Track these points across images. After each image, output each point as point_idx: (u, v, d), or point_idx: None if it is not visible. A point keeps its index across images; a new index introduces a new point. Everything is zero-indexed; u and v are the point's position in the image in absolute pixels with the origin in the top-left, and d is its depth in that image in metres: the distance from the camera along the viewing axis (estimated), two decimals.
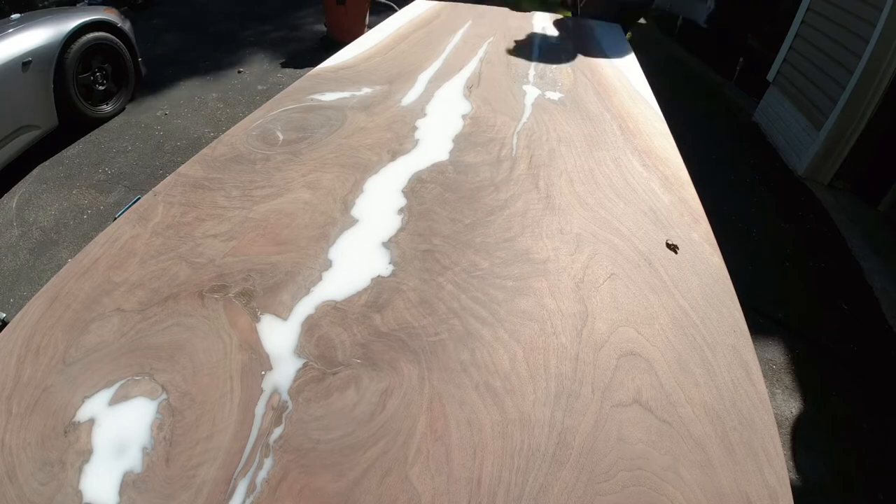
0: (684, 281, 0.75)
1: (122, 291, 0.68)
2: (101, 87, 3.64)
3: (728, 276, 0.77)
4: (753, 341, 0.66)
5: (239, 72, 4.64)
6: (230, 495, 0.47)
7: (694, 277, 0.76)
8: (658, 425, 0.55)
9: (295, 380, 0.57)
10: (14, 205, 2.88)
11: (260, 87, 4.35)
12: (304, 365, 0.59)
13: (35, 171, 3.17)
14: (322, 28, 5.62)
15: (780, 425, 1.87)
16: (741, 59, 5.42)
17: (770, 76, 4.45)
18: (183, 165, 0.95)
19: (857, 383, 2.17)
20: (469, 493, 0.48)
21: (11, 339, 0.61)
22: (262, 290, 0.69)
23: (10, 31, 2.93)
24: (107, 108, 3.71)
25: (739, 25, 6.39)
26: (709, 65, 6.13)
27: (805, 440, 1.90)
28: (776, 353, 2.24)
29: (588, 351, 0.63)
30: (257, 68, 4.76)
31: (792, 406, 2.03)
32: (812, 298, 2.62)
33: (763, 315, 2.40)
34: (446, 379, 0.58)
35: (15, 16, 3.24)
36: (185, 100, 4.12)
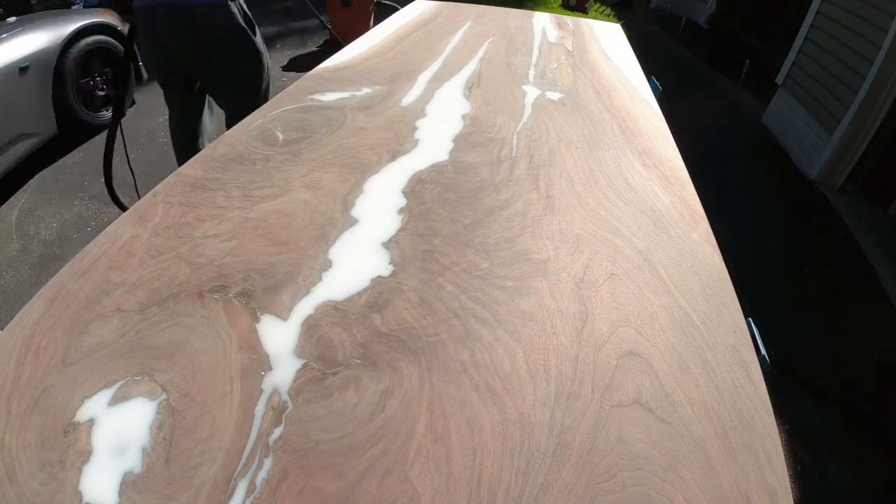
0: (684, 281, 0.75)
1: (121, 292, 0.68)
2: (101, 93, 3.57)
3: (728, 277, 0.77)
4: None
5: None
6: (230, 496, 0.47)
7: (694, 277, 0.76)
8: (658, 425, 0.55)
9: (295, 380, 0.57)
10: (14, 217, 2.79)
11: None
12: (304, 365, 0.59)
13: (35, 181, 3.07)
14: (326, 29, 5.61)
15: (792, 434, 1.86)
16: (748, 62, 5.41)
17: (779, 79, 4.44)
18: (183, 165, 0.95)
19: (875, 389, 2.16)
20: (469, 494, 0.48)
21: (11, 340, 0.61)
22: (261, 291, 0.69)
23: (7, 35, 2.87)
24: (107, 114, 3.64)
25: (740, 26, 6.38)
26: (712, 66, 6.12)
27: (823, 449, 1.88)
28: (791, 359, 2.22)
29: (588, 351, 0.63)
30: None
31: (810, 414, 2.01)
32: (827, 304, 2.60)
33: (780, 322, 2.38)
34: (446, 379, 0.58)
35: (11, 19, 3.19)
36: None
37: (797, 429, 1.91)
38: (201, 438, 0.51)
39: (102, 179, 2.16)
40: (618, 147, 1.11)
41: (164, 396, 0.55)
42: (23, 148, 2.90)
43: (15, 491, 0.46)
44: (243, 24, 1.86)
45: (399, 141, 1.07)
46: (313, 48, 5.37)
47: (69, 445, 0.50)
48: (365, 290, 0.70)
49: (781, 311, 2.41)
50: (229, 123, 2.01)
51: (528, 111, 1.25)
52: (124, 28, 3.68)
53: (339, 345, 0.62)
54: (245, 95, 1.97)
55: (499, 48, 1.69)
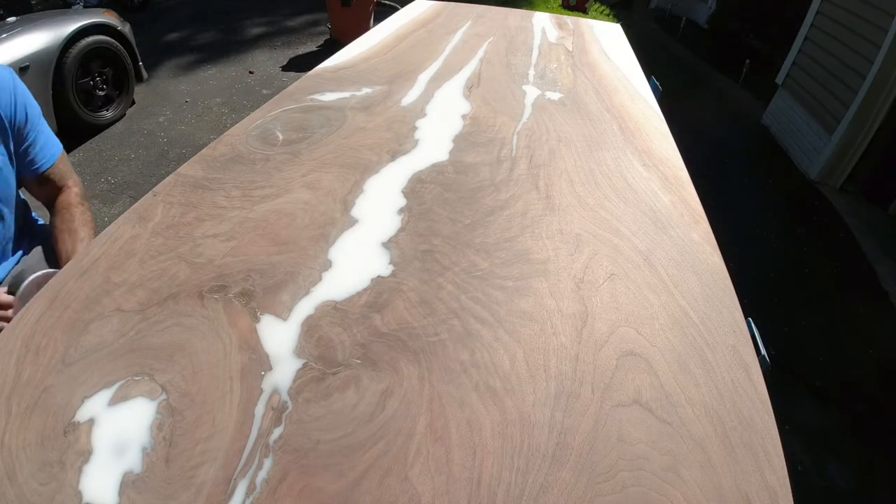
0: (684, 281, 0.75)
1: (121, 292, 0.68)
2: (101, 93, 3.57)
3: (728, 276, 0.77)
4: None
5: (250, 73, 4.62)
6: (230, 496, 0.47)
7: (694, 277, 0.76)
8: (658, 425, 0.55)
9: (295, 380, 0.57)
10: None
11: (265, 92, 4.33)
12: (304, 365, 0.59)
13: None
14: (326, 30, 5.61)
15: (792, 434, 1.86)
16: (747, 62, 5.41)
17: (779, 79, 4.44)
18: (183, 165, 0.95)
19: (875, 389, 2.16)
20: (469, 494, 0.48)
21: (11, 339, 0.61)
22: (261, 291, 0.69)
23: (7, 35, 2.88)
24: (107, 113, 3.64)
25: (740, 26, 6.38)
26: (712, 66, 6.12)
27: (823, 449, 1.88)
28: (791, 359, 2.22)
29: (588, 351, 0.63)
30: (261, 71, 4.74)
31: (810, 414, 2.01)
32: (827, 304, 2.60)
33: (780, 322, 2.37)
34: (446, 379, 0.58)
35: (11, 19, 3.19)
36: (188, 105, 4.09)
37: (797, 429, 1.91)
38: (201, 438, 0.51)
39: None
40: (618, 147, 1.11)
41: (164, 396, 0.55)
42: None
43: (15, 491, 0.46)
44: None
45: (399, 141, 1.07)
46: (313, 48, 5.37)
47: (69, 445, 0.50)
48: (365, 290, 0.70)
49: (781, 311, 2.41)
50: None
51: (528, 111, 1.25)
52: (124, 28, 3.68)
53: (339, 345, 0.62)
54: None
55: (499, 48, 1.69)
